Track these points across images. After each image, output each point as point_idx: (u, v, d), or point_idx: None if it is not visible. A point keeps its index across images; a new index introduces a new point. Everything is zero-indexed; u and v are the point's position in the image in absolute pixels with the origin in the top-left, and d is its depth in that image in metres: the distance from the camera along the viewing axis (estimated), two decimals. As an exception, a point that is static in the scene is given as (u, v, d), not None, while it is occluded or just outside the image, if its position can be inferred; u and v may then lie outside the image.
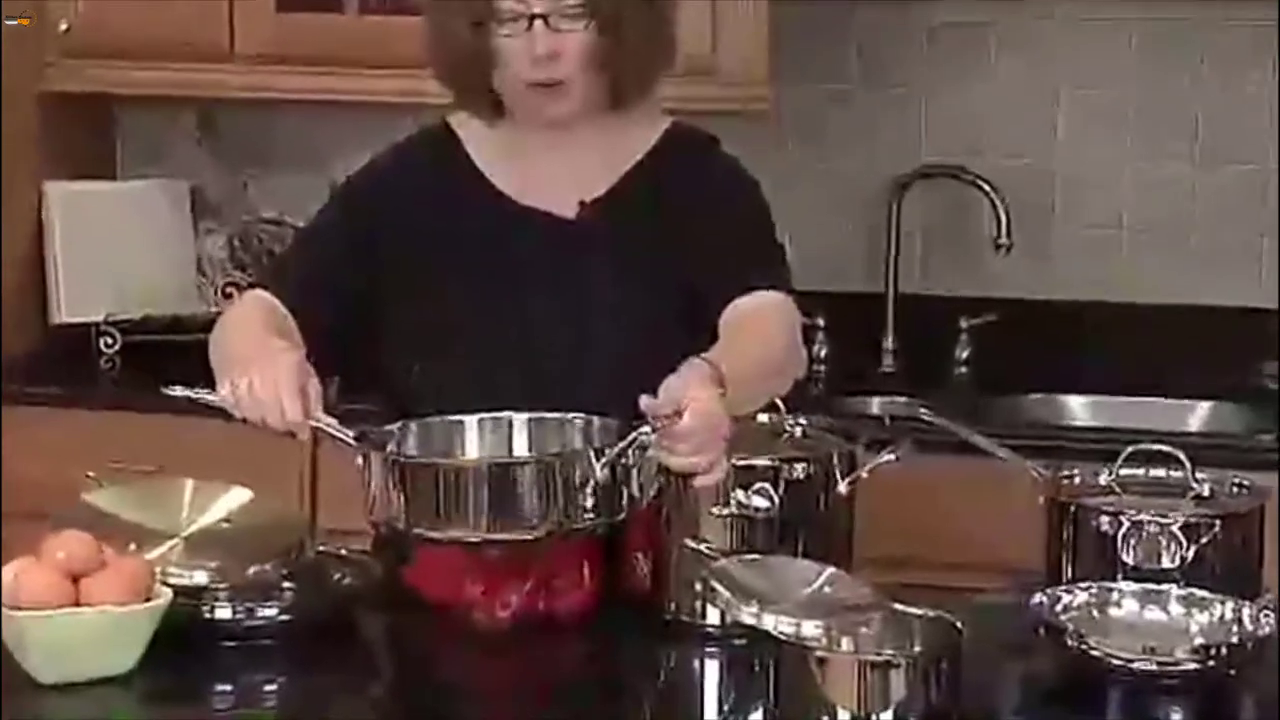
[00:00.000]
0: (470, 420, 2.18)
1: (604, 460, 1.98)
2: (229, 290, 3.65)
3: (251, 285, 2.44)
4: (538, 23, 2.24)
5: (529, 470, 1.98)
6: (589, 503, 1.97)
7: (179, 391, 2.16)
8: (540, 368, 2.28)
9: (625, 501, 2.01)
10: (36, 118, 3.61)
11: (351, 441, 2.05)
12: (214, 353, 2.26)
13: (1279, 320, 3.49)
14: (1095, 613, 2.02)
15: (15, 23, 3.50)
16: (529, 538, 1.98)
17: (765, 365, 2.22)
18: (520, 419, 2.17)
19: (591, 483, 1.97)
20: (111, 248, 3.65)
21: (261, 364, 2.10)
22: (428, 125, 2.45)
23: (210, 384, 2.14)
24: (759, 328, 2.25)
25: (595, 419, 2.14)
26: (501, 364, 2.30)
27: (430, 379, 2.32)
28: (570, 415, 2.16)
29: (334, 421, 2.08)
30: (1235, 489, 2.23)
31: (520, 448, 2.15)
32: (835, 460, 2.19)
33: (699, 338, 2.18)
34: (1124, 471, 2.25)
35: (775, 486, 2.14)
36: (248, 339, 2.22)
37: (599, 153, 2.35)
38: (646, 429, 1.96)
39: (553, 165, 2.35)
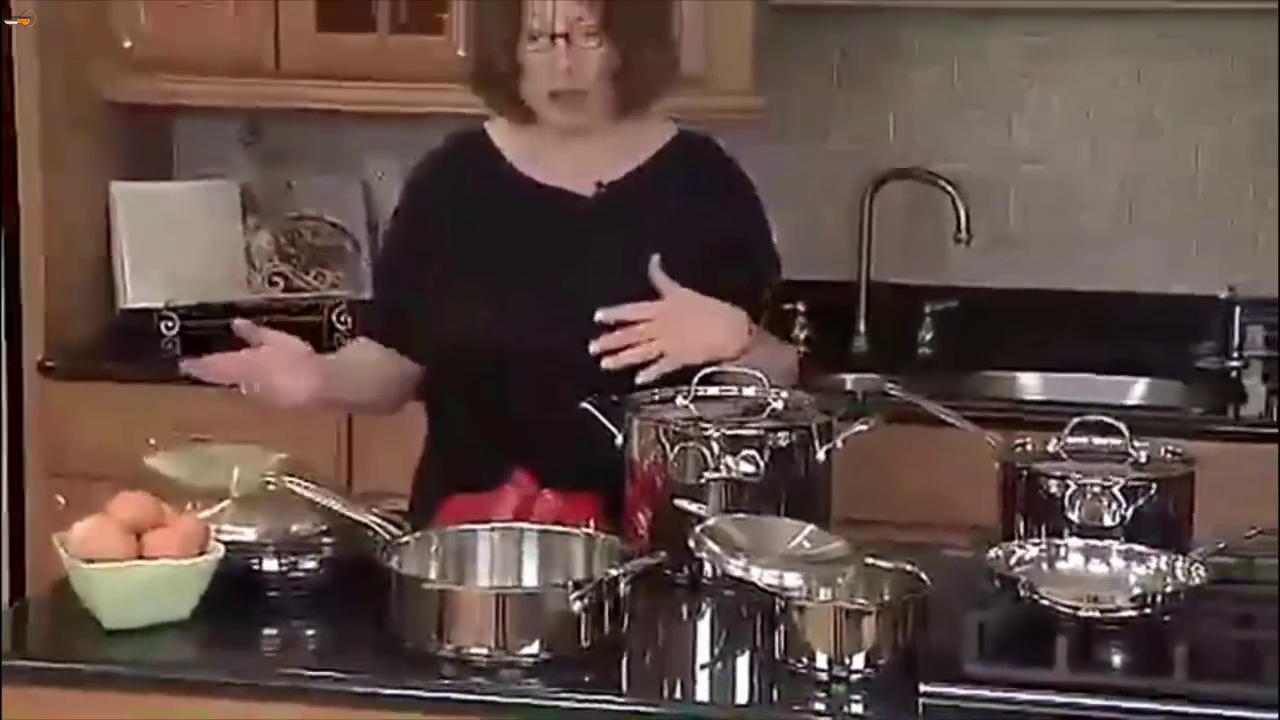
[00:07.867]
0: (483, 533, 2.05)
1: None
2: (275, 279, 3.65)
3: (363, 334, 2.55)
4: (560, 41, 2.31)
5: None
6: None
7: None
8: (559, 332, 2.30)
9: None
10: (104, 126, 3.61)
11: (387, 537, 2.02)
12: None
13: (1223, 305, 3.47)
14: (1045, 566, 2.01)
15: (16, 23, 3.46)
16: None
17: (780, 361, 2.40)
18: (531, 531, 2.06)
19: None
20: (170, 242, 3.64)
21: None
22: (464, 131, 2.50)
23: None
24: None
25: (602, 537, 2.04)
26: (520, 331, 2.34)
27: (463, 335, 2.38)
28: (578, 530, 2.05)
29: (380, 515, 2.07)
30: (1169, 456, 2.23)
31: (530, 558, 2.04)
32: (814, 430, 2.18)
33: None
34: (1070, 440, 2.25)
35: (761, 453, 2.13)
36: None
37: (614, 150, 2.42)
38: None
39: (574, 157, 2.42)
